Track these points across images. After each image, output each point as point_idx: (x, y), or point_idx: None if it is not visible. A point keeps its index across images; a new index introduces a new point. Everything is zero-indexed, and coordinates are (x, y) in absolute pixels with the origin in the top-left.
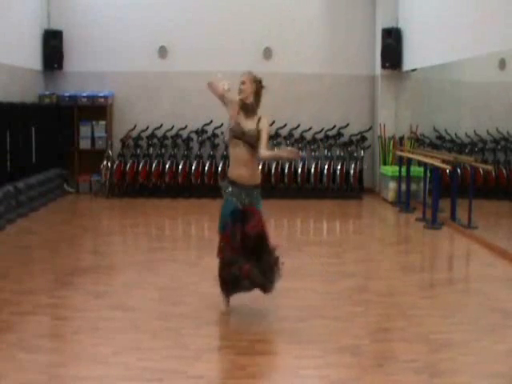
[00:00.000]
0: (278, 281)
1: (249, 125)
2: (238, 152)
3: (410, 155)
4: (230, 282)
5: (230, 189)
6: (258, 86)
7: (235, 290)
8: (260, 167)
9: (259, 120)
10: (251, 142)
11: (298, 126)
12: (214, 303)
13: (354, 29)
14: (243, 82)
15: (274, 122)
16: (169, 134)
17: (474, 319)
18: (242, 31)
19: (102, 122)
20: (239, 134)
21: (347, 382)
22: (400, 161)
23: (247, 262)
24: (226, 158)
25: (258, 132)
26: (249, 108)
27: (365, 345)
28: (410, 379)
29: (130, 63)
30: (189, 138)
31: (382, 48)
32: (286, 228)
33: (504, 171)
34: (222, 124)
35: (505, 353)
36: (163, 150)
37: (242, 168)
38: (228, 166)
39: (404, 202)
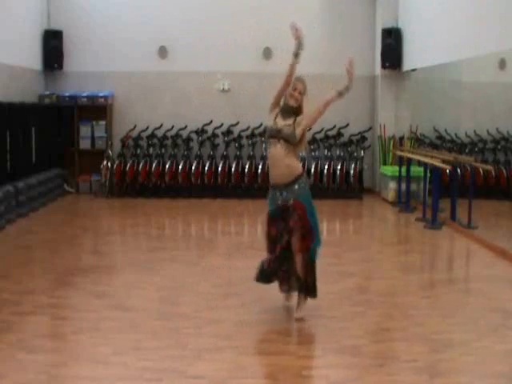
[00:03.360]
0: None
1: (284, 124)
2: (274, 151)
3: (410, 155)
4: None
5: (270, 193)
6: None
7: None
8: (300, 163)
9: (296, 119)
10: (288, 138)
11: None
12: (214, 303)
13: (354, 29)
14: (300, 92)
15: None
16: (169, 134)
17: (475, 319)
18: (242, 31)
19: (102, 122)
20: (275, 133)
21: (347, 382)
22: (400, 161)
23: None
24: (226, 158)
25: (295, 128)
26: (290, 111)
27: (365, 345)
28: (410, 379)
29: (130, 63)
30: (189, 138)
31: (382, 48)
32: None
33: (504, 171)
34: (221, 124)
35: (505, 353)
36: (163, 150)
37: (278, 167)
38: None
39: (404, 202)
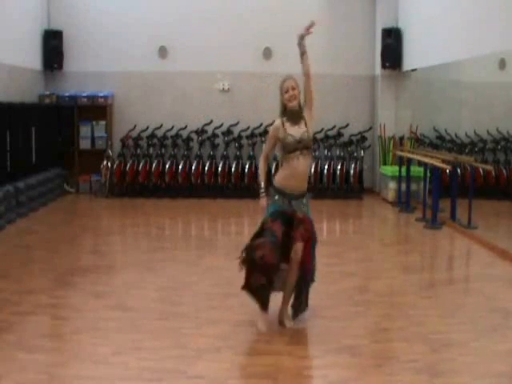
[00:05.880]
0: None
1: (300, 131)
2: (297, 164)
3: (410, 155)
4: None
5: (276, 197)
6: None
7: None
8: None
9: (305, 120)
10: (308, 146)
11: None
12: (213, 303)
13: (354, 29)
14: (293, 88)
15: None
16: (169, 134)
17: (474, 319)
18: (242, 31)
19: (102, 122)
20: (295, 145)
21: (347, 382)
22: (400, 161)
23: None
24: (226, 158)
25: (308, 130)
26: (296, 114)
27: (365, 345)
28: (410, 379)
29: (130, 63)
30: (189, 138)
31: (382, 48)
32: None
33: (504, 171)
34: (221, 124)
35: (505, 353)
36: (163, 150)
37: (297, 179)
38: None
39: (404, 202)
